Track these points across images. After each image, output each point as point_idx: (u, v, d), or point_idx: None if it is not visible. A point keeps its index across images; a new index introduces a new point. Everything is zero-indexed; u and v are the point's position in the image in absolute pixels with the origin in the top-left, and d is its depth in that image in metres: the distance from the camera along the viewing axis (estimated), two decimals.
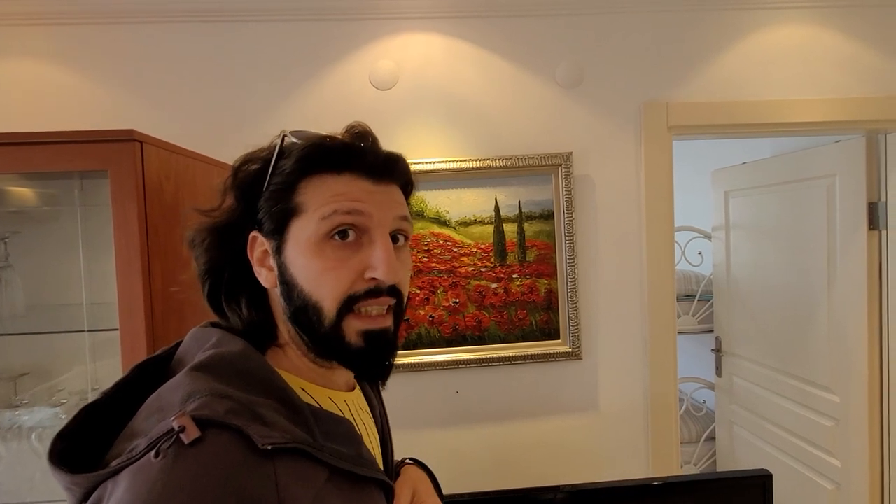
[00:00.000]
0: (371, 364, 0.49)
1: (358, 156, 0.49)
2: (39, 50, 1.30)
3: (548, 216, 1.40)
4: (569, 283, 1.39)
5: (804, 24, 1.42)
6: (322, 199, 0.47)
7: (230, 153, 1.45)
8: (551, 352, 1.40)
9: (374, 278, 0.47)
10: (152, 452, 0.37)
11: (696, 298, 2.39)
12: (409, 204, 0.55)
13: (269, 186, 0.48)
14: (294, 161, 0.48)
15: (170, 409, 0.40)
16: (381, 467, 0.58)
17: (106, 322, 1.16)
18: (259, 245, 0.50)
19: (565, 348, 1.41)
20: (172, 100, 1.33)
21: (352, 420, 0.52)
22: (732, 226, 2.14)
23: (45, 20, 1.30)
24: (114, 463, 0.38)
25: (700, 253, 2.42)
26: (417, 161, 1.35)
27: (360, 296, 0.47)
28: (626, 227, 1.43)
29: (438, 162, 1.35)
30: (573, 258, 1.39)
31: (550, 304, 1.41)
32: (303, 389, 0.49)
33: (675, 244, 2.33)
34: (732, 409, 2.19)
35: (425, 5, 1.35)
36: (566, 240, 1.39)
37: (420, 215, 1.38)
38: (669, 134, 1.41)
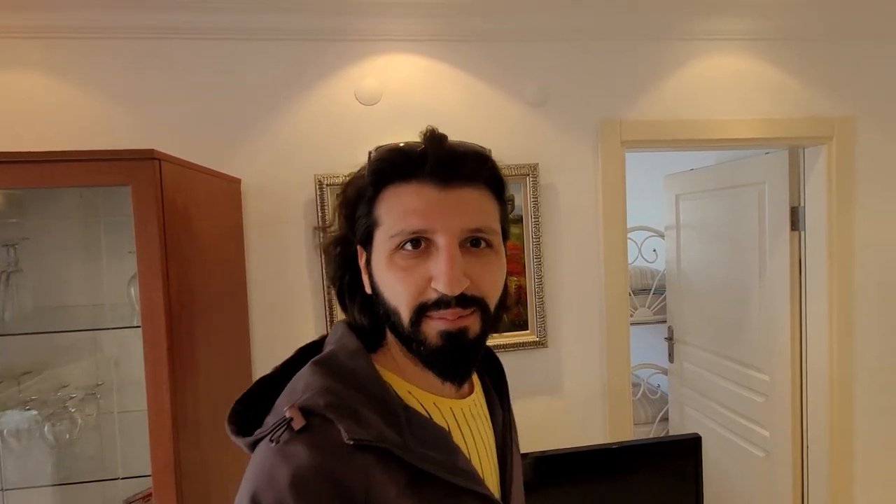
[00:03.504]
0: (448, 363, 0.49)
1: (420, 163, 0.49)
2: (32, 62, 1.36)
3: (517, 220, 1.57)
4: (536, 280, 1.57)
5: (737, 54, 1.64)
6: (392, 216, 0.49)
7: (225, 163, 1.55)
8: (521, 341, 1.58)
9: (437, 289, 0.47)
10: (269, 437, 0.44)
11: (652, 292, 2.63)
12: (503, 202, 0.54)
13: (359, 202, 0.52)
14: (368, 175, 0.51)
15: (293, 394, 0.48)
16: (498, 480, 0.57)
17: (113, 321, 1.26)
18: (361, 255, 0.54)
19: (533, 338, 1.58)
20: (166, 114, 1.41)
21: (457, 429, 0.53)
22: (682, 226, 2.38)
23: (33, 33, 1.35)
24: (256, 433, 0.46)
25: (655, 250, 2.66)
26: None
27: (431, 304, 0.48)
28: (585, 229, 1.62)
29: None
30: (539, 258, 1.57)
31: (520, 298, 1.58)
32: (409, 392, 0.52)
33: (633, 242, 2.57)
34: (683, 392, 2.44)
35: (407, 29, 1.48)
36: (533, 241, 1.56)
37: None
38: (623, 148, 1.60)
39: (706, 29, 1.60)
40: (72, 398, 1.22)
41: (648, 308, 2.63)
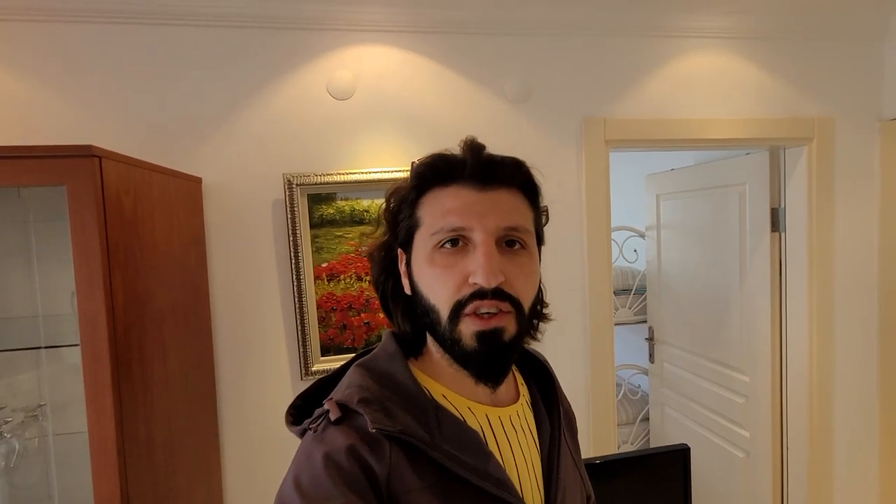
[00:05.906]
0: (482, 365, 0.51)
1: (460, 167, 0.52)
2: None
3: None
4: None
5: (719, 53, 1.61)
6: (433, 216, 0.52)
7: (184, 162, 1.43)
8: None
9: (475, 282, 0.49)
10: (310, 427, 0.49)
11: (632, 292, 2.61)
12: (537, 208, 0.57)
13: (402, 207, 0.56)
14: (411, 180, 0.55)
15: (337, 391, 0.52)
16: (542, 501, 0.54)
17: (59, 336, 1.13)
18: (402, 258, 0.56)
19: None
20: (117, 108, 1.29)
21: (492, 436, 0.53)
22: (663, 226, 2.36)
23: None
24: (305, 422, 0.51)
25: (635, 250, 2.65)
26: (375, 170, 1.40)
27: (467, 299, 0.49)
28: (568, 229, 1.56)
29: (395, 171, 1.41)
30: None
31: None
32: (444, 396, 0.53)
33: (614, 242, 2.55)
34: (663, 392, 2.43)
35: (382, 19, 1.40)
36: None
37: (379, 223, 1.42)
38: (606, 147, 1.56)
39: (689, 26, 1.56)
40: (7, 422, 1.10)
41: (629, 308, 2.62)
